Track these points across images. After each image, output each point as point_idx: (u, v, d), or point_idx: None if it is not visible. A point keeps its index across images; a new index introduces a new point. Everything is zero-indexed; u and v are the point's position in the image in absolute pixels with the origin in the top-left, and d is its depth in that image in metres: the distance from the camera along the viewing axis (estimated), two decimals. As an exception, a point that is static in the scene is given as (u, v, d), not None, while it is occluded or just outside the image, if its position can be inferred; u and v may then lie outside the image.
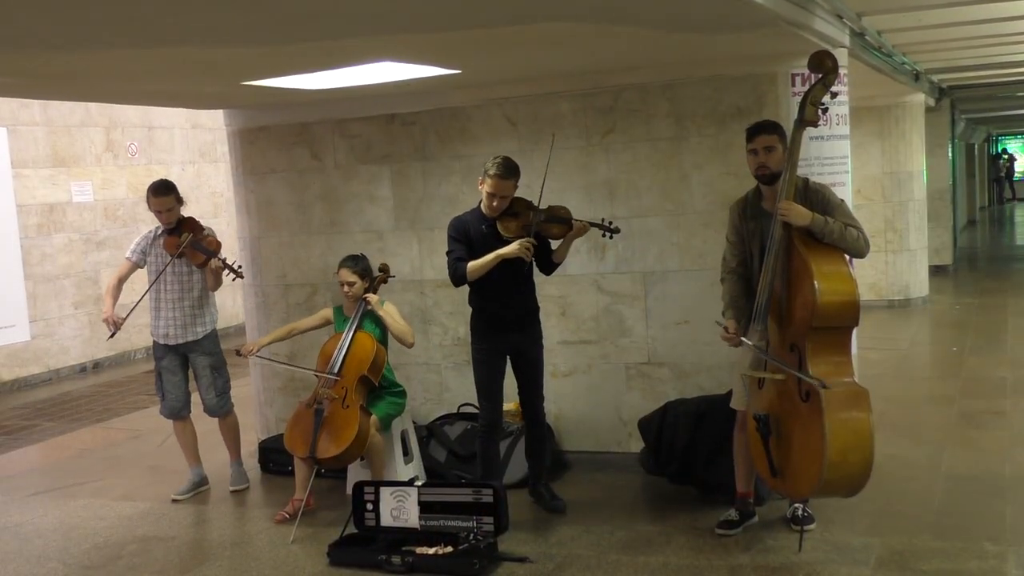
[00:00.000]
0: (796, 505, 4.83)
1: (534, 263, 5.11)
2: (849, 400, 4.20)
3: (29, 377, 10.53)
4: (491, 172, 4.94)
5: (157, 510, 5.80)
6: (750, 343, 4.52)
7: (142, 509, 5.84)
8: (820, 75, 4.39)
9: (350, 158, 6.54)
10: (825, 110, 4.42)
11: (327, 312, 5.75)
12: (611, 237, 5.12)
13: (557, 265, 5.22)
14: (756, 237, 4.58)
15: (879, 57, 8.09)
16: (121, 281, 5.93)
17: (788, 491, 4.51)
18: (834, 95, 4.49)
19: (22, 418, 8.91)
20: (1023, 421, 6.61)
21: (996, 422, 6.62)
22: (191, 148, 12.77)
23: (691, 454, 5.41)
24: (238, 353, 5.75)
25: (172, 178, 6.10)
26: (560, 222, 5.03)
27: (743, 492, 4.89)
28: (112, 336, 5.76)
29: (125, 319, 5.74)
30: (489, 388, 5.15)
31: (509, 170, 4.96)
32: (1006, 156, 36.64)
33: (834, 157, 5.64)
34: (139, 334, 11.73)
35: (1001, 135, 36.79)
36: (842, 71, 5.67)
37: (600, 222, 5.04)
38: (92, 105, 11.10)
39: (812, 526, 4.77)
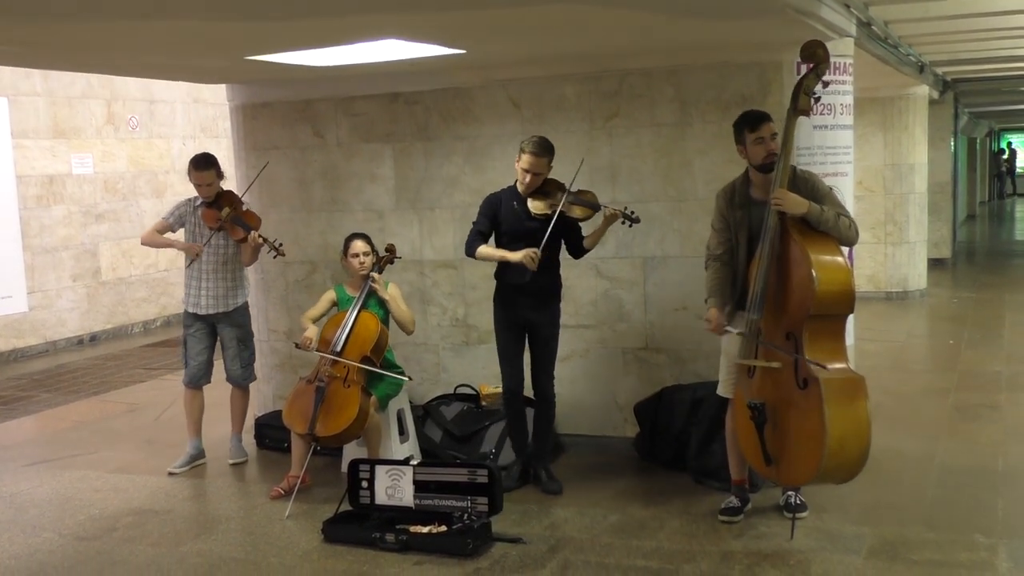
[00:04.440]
0: (789, 493, 4.84)
1: (564, 246, 5.24)
2: (847, 388, 4.22)
3: (26, 348, 10.54)
4: (527, 149, 5.11)
5: (153, 483, 5.82)
6: (735, 331, 4.55)
7: (138, 482, 5.86)
8: (812, 64, 4.41)
9: (352, 136, 6.52)
10: (818, 99, 4.44)
11: (331, 294, 5.72)
12: (630, 226, 5.14)
13: (587, 251, 5.27)
14: (744, 226, 4.59)
15: (885, 48, 8.07)
16: (159, 232, 5.98)
17: (784, 479, 4.52)
18: (826, 84, 4.50)
19: (18, 389, 8.92)
20: (1017, 415, 6.63)
21: (990, 416, 6.65)
22: (192, 123, 12.71)
23: (686, 440, 5.44)
24: (297, 346, 5.53)
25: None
26: (585, 205, 5.13)
27: (738, 479, 4.92)
28: (196, 258, 5.82)
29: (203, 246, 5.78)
30: (508, 355, 5.33)
31: (544, 148, 5.12)
32: (1008, 151, 36.61)
33: (837, 147, 5.63)
34: (136, 308, 11.76)
35: (1004, 130, 36.74)
36: (848, 61, 5.67)
37: (623, 210, 5.08)
38: (93, 77, 11.04)
39: (804, 514, 4.79)
